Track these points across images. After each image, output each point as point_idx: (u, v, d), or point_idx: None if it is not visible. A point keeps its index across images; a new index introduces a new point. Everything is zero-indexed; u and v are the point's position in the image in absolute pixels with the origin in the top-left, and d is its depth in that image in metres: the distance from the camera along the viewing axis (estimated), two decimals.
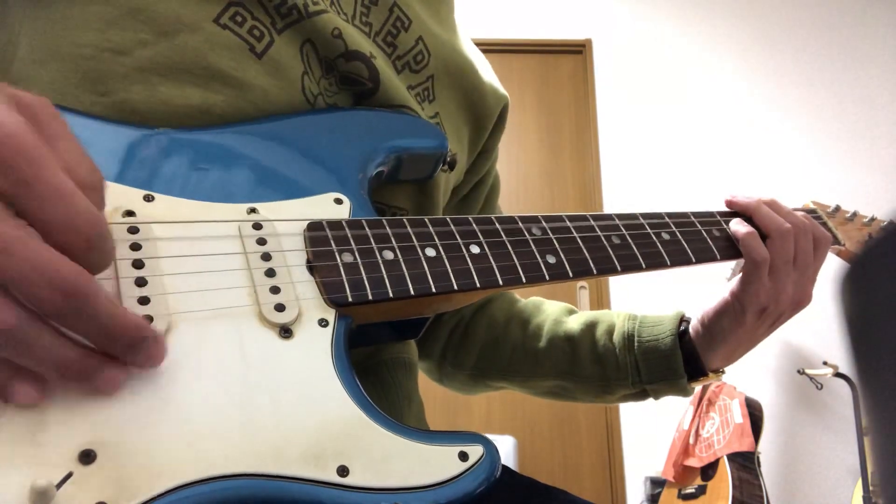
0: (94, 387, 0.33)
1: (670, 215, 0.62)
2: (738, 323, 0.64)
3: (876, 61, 3.28)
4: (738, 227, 0.64)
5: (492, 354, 0.74)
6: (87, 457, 0.32)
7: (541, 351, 0.72)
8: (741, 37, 3.28)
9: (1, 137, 0.29)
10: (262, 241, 0.44)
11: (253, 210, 0.46)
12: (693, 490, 2.34)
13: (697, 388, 2.49)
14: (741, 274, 0.64)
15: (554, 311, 0.75)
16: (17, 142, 0.29)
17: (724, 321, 0.65)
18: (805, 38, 3.30)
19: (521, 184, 3.09)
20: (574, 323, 0.72)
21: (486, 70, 0.71)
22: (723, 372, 0.68)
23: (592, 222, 0.57)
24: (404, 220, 0.50)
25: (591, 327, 0.71)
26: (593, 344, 0.70)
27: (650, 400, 0.71)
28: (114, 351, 0.33)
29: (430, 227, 0.50)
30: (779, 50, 3.28)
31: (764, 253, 0.62)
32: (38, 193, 0.29)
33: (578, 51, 3.28)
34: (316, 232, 0.46)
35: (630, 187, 3.05)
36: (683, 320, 0.69)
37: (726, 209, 0.67)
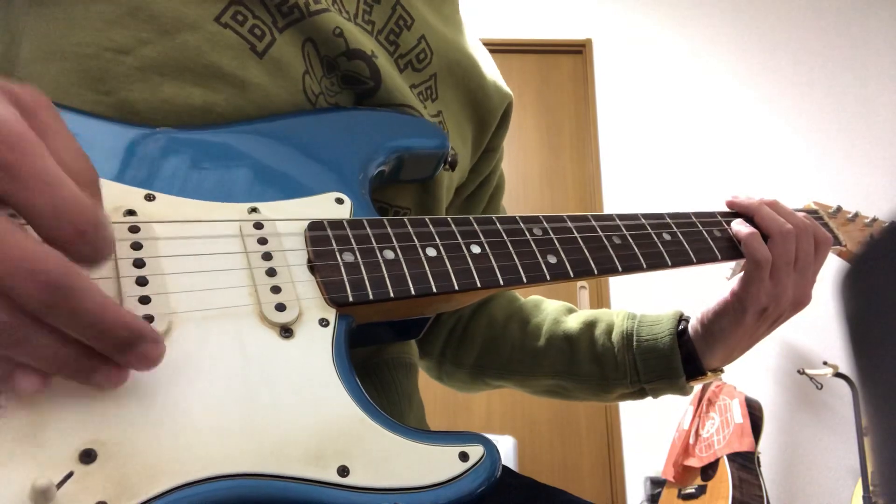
0: (95, 384, 0.33)
1: (671, 215, 0.62)
2: (738, 323, 0.64)
3: (876, 61, 3.28)
4: (739, 227, 0.64)
5: (491, 353, 0.74)
6: (87, 456, 0.32)
7: (539, 350, 0.72)
8: (741, 37, 3.28)
9: None
10: (262, 241, 0.44)
11: (254, 209, 0.46)
12: (693, 490, 2.34)
13: (697, 386, 2.49)
14: (742, 274, 0.64)
15: (553, 309, 0.75)
16: (7, 131, 0.28)
17: (724, 321, 0.65)
18: (805, 38, 3.30)
19: (521, 184, 3.09)
20: (573, 322, 0.72)
21: (490, 68, 0.71)
22: (721, 371, 0.68)
23: (594, 222, 0.57)
24: (405, 219, 0.50)
25: (589, 326, 0.71)
26: (592, 343, 0.70)
27: (650, 400, 0.71)
28: (104, 349, 0.31)
29: (431, 227, 0.50)
30: (778, 50, 3.28)
31: (766, 254, 0.62)
32: (24, 182, 0.28)
33: (578, 51, 3.28)
34: (317, 231, 0.46)
35: (630, 187, 3.05)
36: (682, 319, 0.69)
37: (727, 209, 0.67)
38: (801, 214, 0.66)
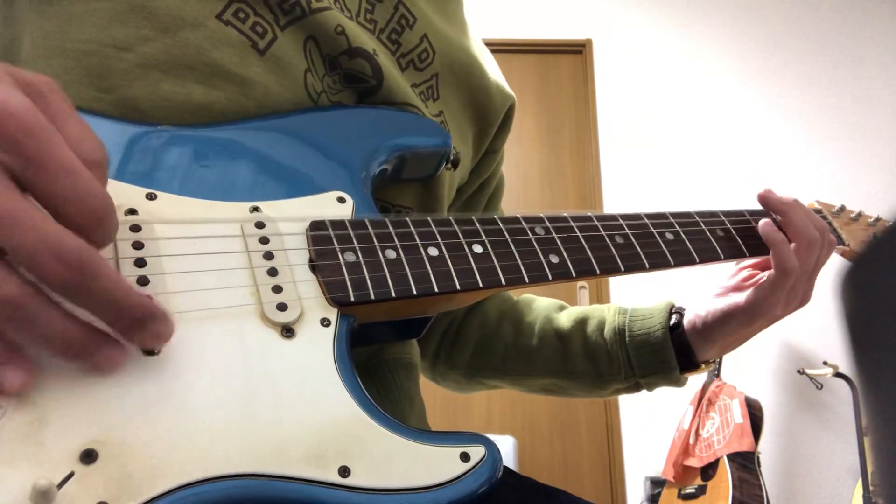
0: (94, 364, 0.33)
1: (674, 215, 0.62)
2: (746, 325, 0.64)
3: (876, 61, 3.28)
4: (772, 232, 0.62)
5: (485, 353, 0.74)
6: (88, 456, 0.32)
7: (533, 349, 0.72)
8: (741, 36, 3.28)
9: (7, 116, 0.29)
10: (264, 240, 0.44)
11: (255, 209, 0.46)
12: (693, 490, 2.34)
13: (694, 381, 2.47)
14: (764, 280, 0.63)
15: (545, 307, 0.75)
16: (23, 119, 0.29)
17: (732, 323, 0.64)
18: (805, 38, 3.30)
19: (521, 184, 3.09)
20: (565, 320, 0.72)
21: (493, 69, 0.70)
22: (714, 362, 0.68)
23: (596, 222, 0.56)
24: (407, 219, 0.50)
25: (581, 324, 0.71)
26: (584, 340, 0.70)
27: (650, 399, 0.71)
28: (119, 327, 0.33)
29: (433, 227, 0.50)
30: (779, 50, 3.28)
31: (795, 263, 0.61)
32: (47, 171, 0.29)
33: (578, 51, 3.28)
34: (318, 231, 0.46)
35: (630, 187, 3.05)
36: (674, 311, 0.69)
37: (729, 209, 0.67)
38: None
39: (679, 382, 0.68)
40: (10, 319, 0.30)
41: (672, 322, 0.68)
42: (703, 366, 0.67)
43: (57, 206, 0.30)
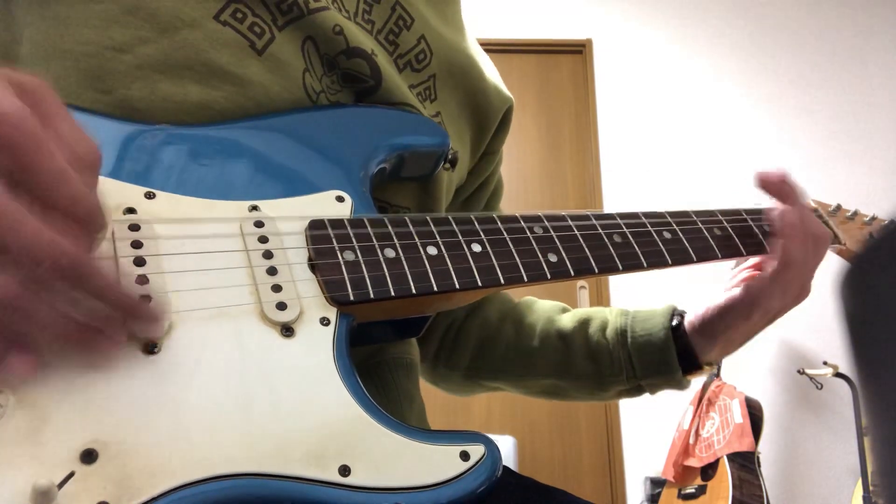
0: (91, 353, 0.35)
1: (672, 214, 0.62)
2: (745, 319, 0.64)
3: (876, 61, 3.28)
4: (783, 220, 0.62)
5: (485, 354, 0.74)
6: (88, 456, 0.32)
7: (534, 350, 0.72)
8: (741, 37, 3.28)
9: (2, 121, 0.30)
10: (263, 239, 0.44)
11: (254, 208, 0.46)
12: (693, 490, 2.34)
13: (695, 382, 2.47)
14: (766, 274, 0.63)
15: (546, 309, 0.75)
16: (16, 123, 0.30)
17: (729, 318, 0.64)
18: (804, 38, 3.30)
19: (521, 184, 3.09)
20: (567, 321, 0.72)
21: (490, 71, 0.70)
22: (717, 363, 0.68)
23: (594, 221, 0.56)
24: (406, 218, 0.50)
25: (583, 324, 0.71)
26: (586, 341, 0.70)
27: (650, 400, 0.70)
28: (111, 324, 0.35)
29: (432, 226, 0.50)
30: (778, 50, 3.28)
31: (799, 255, 0.61)
32: (38, 178, 0.31)
33: (578, 51, 3.28)
34: (317, 230, 0.46)
35: (630, 187, 3.05)
36: (676, 314, 0.69)
37: (727, 207, 0.67)
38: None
39: (681, 385, 0.68)
40: (8, 315, 0.31)
41: (674, 324, 0.68)
42: (705, 367, 0.67)
43: (47, 212, 0.31)
